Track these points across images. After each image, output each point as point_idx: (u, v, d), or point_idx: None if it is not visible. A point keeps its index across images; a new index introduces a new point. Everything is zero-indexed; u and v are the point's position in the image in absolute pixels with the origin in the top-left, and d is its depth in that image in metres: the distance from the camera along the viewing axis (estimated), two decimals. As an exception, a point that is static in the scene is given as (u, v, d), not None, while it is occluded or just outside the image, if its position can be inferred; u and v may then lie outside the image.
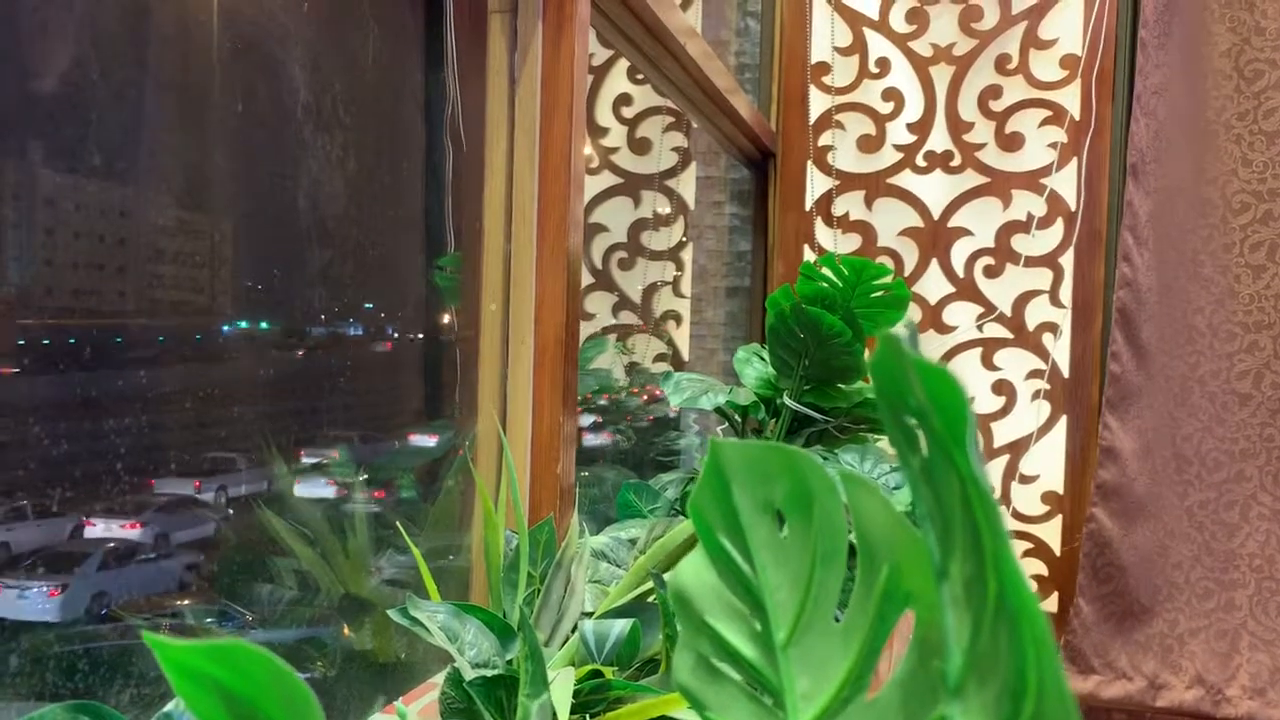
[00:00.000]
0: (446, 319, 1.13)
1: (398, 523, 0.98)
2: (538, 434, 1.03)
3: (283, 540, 0.90)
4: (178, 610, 0.82)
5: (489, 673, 0.63)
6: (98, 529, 0.74)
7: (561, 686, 0.63)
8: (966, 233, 1.99)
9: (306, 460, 0.94)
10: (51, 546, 0.70)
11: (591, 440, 1.80)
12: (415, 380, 1.13)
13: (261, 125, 0.87)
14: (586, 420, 1.82)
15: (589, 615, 0.79)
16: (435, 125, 1.08)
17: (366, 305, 1.04)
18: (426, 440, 1.11)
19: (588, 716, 0.67)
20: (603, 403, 1.88)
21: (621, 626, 0.71)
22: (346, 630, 0.98)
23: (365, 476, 1.01)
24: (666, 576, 0.73)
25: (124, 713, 0.46)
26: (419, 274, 1.12)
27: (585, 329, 1.99)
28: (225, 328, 0.85)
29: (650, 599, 0.81)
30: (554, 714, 0.61)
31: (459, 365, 1.09)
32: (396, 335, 1.10)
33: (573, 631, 0.76)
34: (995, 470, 1.97)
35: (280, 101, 0.87)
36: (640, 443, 1.91)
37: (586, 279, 2.03)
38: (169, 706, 0.45)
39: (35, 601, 0.71)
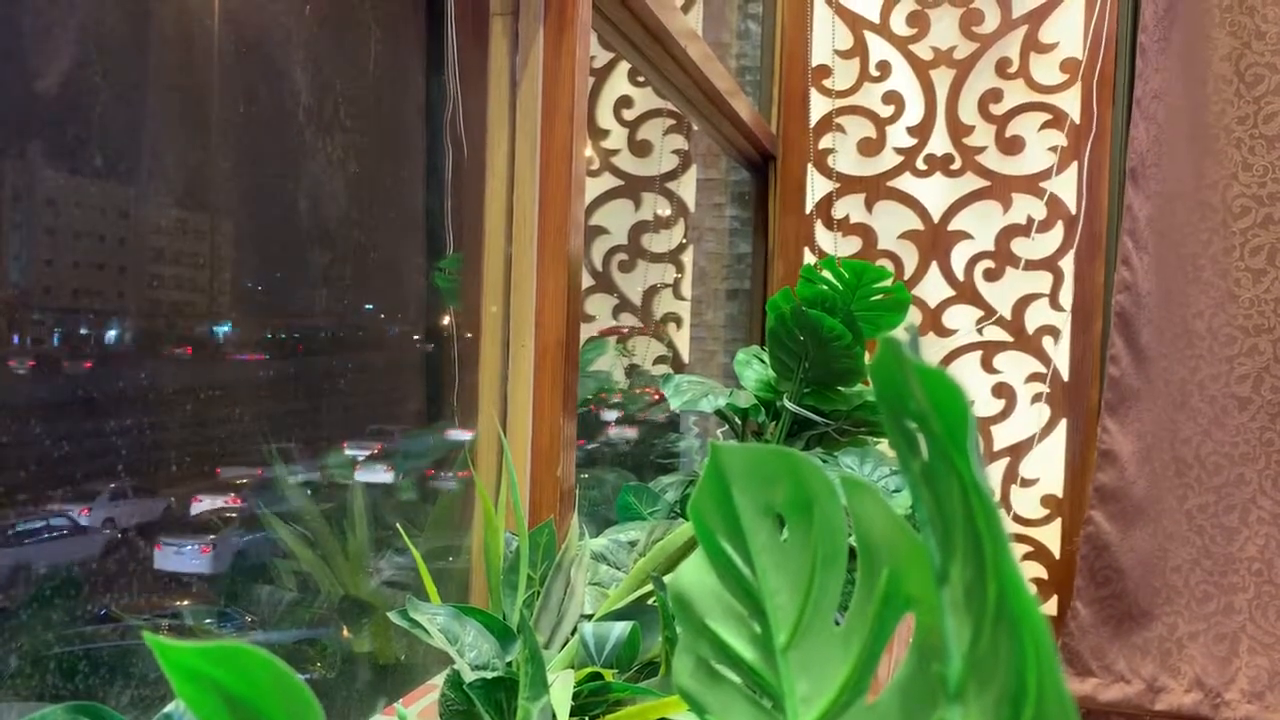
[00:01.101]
0: (447, 321, 1.13)
1: (398, 524, 0.98)
2: (538, 436, 1.03)
3: (283, 542, 0.90)
4: (177, 611, 0.82)
5: (489, 675, 0.63)
6: (204, 504, 0.82)
7: (561, 689, 0.63)
8: (967, 236, 1.99)
9: (309, 456, 0.95)
10: (150, 521, 0.78)
11: (591, 442, 1.80)
12: (415, 382, 1.13)
13: (264, 128, 0.87)
14: (611, 415, 1.82)
15: (588, 618, 0.79)
16: (436, 127, 1.08)
17: (367, 307, 1.04)
18: (428, 440, 1.12)
19: (587, 719, 0.67)
20: (615, 402, 1.88)
21: (621, 629, 0.71)
22: (346, 632, 0.98)
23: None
24: (666, 579, 0.73)
25: (124, 714, 0.46)
26: (420, 276, 1.12)
27: (585, 331, 1.99)
28: (224, 329, 0.85)
29: (650, 601, 0.81)
30: (554, 716, 0.61)
31: (459, 367, 1.09)
32: (397, 337, 1.10)
33: (572, 634, 0.76)
34: (995, 473, 1.97)
35: (282, 104, 0.87)
36: (640, 445, 1.91)
37: (587, 281, 2.03)
38: (169, 708, 0.45)
39: (190, 557, 0.81)
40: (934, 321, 2.00)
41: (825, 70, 2.06)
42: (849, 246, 2.05)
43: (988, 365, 1.98)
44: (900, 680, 0.27)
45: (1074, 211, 1.92)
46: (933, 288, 2.01)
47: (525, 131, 1.05)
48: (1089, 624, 1.84)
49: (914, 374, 0.22)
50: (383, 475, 1.03)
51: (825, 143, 2.06)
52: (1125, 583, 1.81)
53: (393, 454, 1.08)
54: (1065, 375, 1.93)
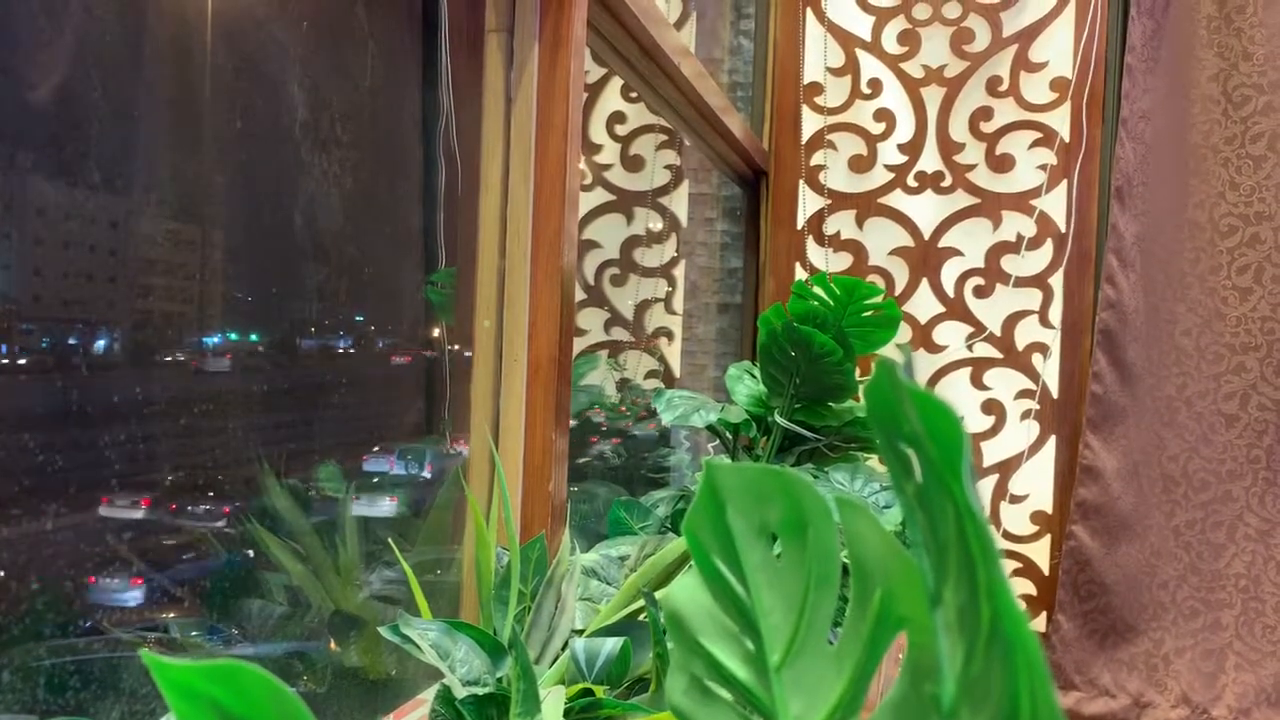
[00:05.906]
0: (440, 335, 1.13)
1: (389, 539, 0.98)
2: (530, 451, 1.03)
3: (273, 556, 0.90)
4: (166, 625, 0.82)
5: (480, 690, 0.63)
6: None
7: (552, 705, 0.63)
8: (957, 253, 2.00)
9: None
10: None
11: (583, 456, 1.80)
12: (409, 396, 1.13)
13: (259, 142, 0.87)
14: (602, 430, 1.82)
15: (580, 633, 0.79)
16: (432, 143, 1.09)
17: (358, 319, 1.04)
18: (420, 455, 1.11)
19: (578, 735, 0.67)
20: (607, 416, 1.88)
21: (612, 645, 0.71)
22: (336, 646, 0.98)
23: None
24: (658, 595, 0.73)
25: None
26: (413, 290, 1.12)
27: (577, 345, 1.99)
28: (211, 339, 0.85)
29: (641, 617, 0.81)
30: (545, 732, 0.60)
31: (451, 381, 1.09)
32: (390, 351, 1.10)
33: (563, 649, 0.76)
34: (984, 490, 1.97)
35: (278, 119, 0.88)
36: (631, 459, 1.91)
37: (579, 295, 2.03)
38: (161, 723, 0.45)
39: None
40: (924, 338, 2.01)
41: (817, 87, 2.07)
42: (840, 262, 2.06)
43: (977, 382, 1.99)
44: (893, 700, 0.27)
45: (1063, 229, 1.93)
46: (923, 304, 2.02)
47: (519, 147, 1.05)
48: (1072, 638, 1.84)
49: (909, 399, 0.22)
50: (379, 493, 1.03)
51: (817, 159, 2.07)
52: (1109, 598, 1.82)
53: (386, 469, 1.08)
54: (1055, 392, 1.94)
